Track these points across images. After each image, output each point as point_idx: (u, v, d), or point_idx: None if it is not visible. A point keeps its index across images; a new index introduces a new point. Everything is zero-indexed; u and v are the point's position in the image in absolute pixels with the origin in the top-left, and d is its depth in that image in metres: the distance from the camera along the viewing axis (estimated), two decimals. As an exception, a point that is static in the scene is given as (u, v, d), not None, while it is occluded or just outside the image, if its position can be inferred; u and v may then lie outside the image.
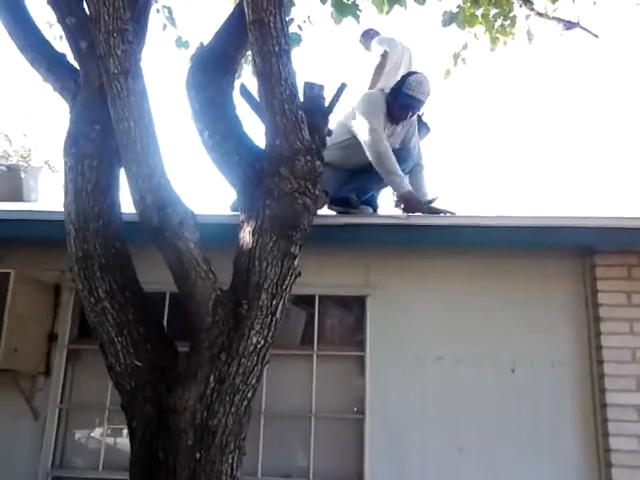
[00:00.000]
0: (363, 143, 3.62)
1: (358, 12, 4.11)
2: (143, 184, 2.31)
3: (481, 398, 3.38)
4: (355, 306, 3.65)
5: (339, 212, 3.67)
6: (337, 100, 2.68)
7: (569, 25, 5.74)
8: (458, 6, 4.79)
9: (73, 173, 2.54)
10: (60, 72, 2.81)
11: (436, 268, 3.58)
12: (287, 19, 3.10)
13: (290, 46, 2.50)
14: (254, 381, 2.36)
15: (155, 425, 2.35)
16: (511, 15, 5.08)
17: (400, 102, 3.70)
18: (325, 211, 3.62)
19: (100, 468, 3.47)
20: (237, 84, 2.89)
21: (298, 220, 2.44)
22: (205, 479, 2.25)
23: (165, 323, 3.39)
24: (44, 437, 3.48)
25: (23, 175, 6.41)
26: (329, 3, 4.14)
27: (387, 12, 4.42)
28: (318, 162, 2.50)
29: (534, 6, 5.46)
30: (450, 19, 4.81)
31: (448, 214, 3.58)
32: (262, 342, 2.36)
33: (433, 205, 3.64)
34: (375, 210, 3.97)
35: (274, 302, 2.38)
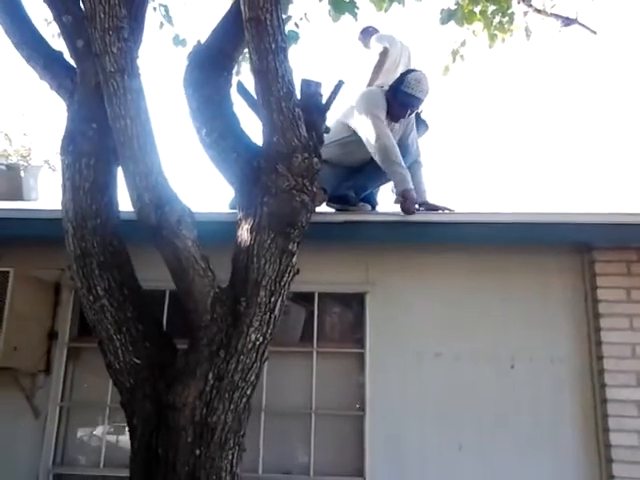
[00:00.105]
0: (366, 139, 3.61)
1: (356, 9, 4.09)
2: (140, 182, 2.31)
3: (481, 394, 3.39)
4: (354, 303, 3.65)
5: (338, 209, 3.67)
6: (334, 97, 2.67)
7: (567, 21, 5.75)
8: (456, 3, 4.79)
9: (70, 171, 2.54)
10: (57, 70, 2.81)
11: (435, 265, 3.58)
12: (284, 17, 3.11)
13: (287, 43, 2.51)
14: (253, 378, 2.37)
15: (155, 422, 2.36)
16: (509, 12, 5.08)
17: (399, 100, 3.69)
18: (324, 208, 3.63)
19: (101, 465, 3.48)
20: (235, 81, 2.89)
21: (296, 217, 2.44)
22: (205, 476, 2.26)
23: (165, 320, 3.41)
24: (45, 435, 3.49)
25: (23, 174, 6.40)
26: (326, 0, 4.13)
27: (385, 9, 4.41)
28: (315, 159, 2.50)
29: (532, 3, 5.46)
30: (448, 16, 4.81)
31: (446, 211, 3.58)
32: (261, 339, 2.37)
33: (431, 202, 3.64)
34: (374, 207, 3.97)
35: (272, 299, 2.39)
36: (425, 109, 4.17)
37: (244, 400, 2.36)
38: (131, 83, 2.32)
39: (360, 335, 3.56)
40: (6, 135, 13.77)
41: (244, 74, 4.57)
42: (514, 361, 3.43)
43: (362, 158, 3.71)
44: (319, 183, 2.60)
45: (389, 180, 3.74)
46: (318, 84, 2.65)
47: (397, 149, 3.56)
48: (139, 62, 2.42)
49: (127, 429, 2.47)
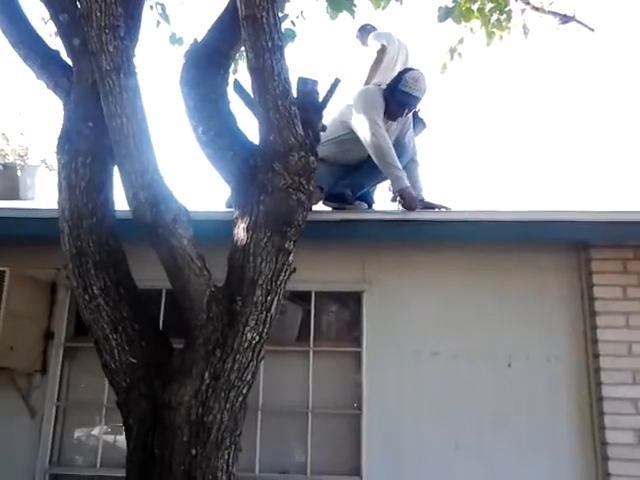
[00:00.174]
0: (363, 138, 3.60)
1: (353, 7, 4.09)
2: (136, 180, 2.31)
3: (477, 393, 3.39)
4: (351, 302, 3.65)
5: (334, 208, 3.67)
6: (331, 95, 2.67)
7: (565, 19, 5.75)
8: (454, 0, 4.78)
9: (67, 170, 2.54)
10: (53, 69, 2.80)
11: (432, 263, 3.58)
12: (281, 15, 3.10)
13: (283, 42, 2.50)
14: (249, 377, 2.37)
15: (151, 422, 2.35)
16: (507, 9, 5.08)
17: (397, 99, 3.68)
18: (320, 207, 3.62)
19: (98, 465, 3.47)
20: (231, 80, 2.88)
21: (292, 216, 2.44)
22: (201, 475, 2.26)
23: (162, 320, 3.40)
24: (41, 435, 3.48)
25: (20, 173, 6.38)
26: (324, -2, 4.12)
27: (383, 7, 4.41)
28: (312, 158, 2.50)
29: (530, 0, 5.46)
30: (446, 14, 4.80)
31: (443, 209, 3.58)
32: (257, 338, 2.36)
33: (428, 200, 3.64)
34: (370, 206, 3.96)
35: (269, 298, 2.39)
36: (423, 107, 4.17)
37: (240, 399, 2.36)
38: (127, 82, 2.31)
39: (357, 334, 3.56)
40: (3, 134, 13.73)
41: (241, 72, 4.57)
42: (511, 359, 3.43)
43: (359, 156, 3.70)
44: (316, 181, 2.60)
45: (386, 179, 3.74)
46: (315, 82, 2.66)
47: (393, 151, 3.56)
48: (135, 61, 2.41)
49: (123, 429, 2.47)
